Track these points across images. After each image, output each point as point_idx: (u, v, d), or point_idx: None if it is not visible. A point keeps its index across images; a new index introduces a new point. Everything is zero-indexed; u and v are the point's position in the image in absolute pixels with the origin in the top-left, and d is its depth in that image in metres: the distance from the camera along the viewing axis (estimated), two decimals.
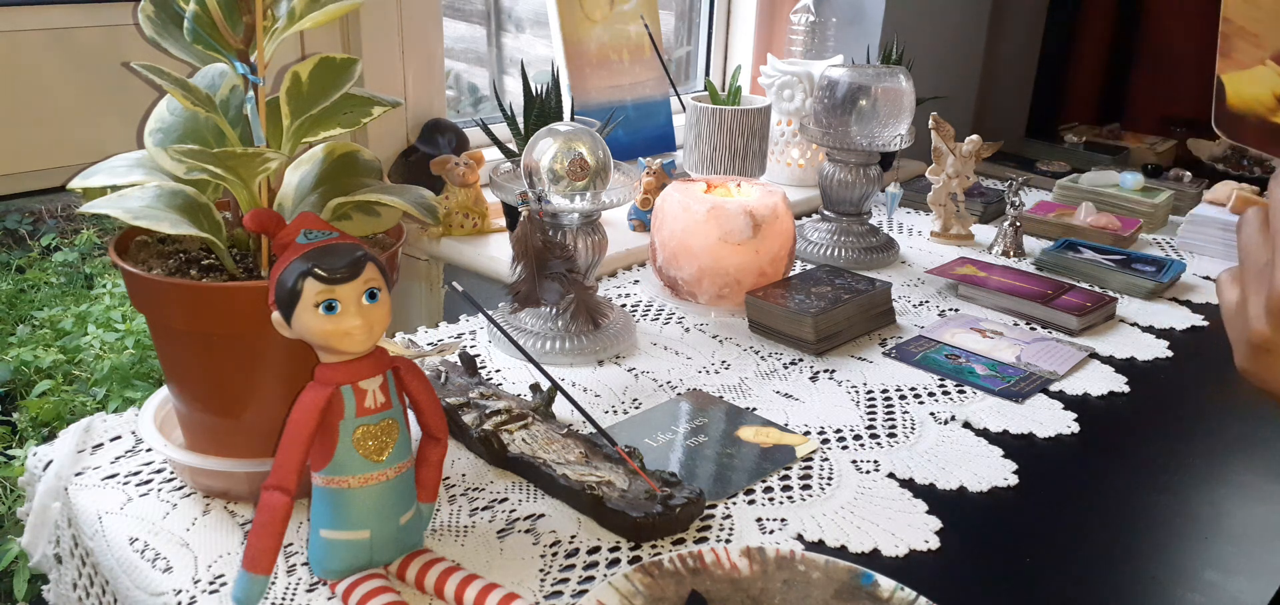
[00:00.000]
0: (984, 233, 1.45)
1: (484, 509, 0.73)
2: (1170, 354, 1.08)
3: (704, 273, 1.06)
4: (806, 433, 0.86)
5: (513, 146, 1.13)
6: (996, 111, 2.21)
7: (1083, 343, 1.08)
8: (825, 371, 0.99)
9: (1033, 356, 1.03)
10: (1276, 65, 0.50)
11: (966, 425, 0.89)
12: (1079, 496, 0.81)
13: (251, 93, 0.66)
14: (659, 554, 0.68)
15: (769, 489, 0.77)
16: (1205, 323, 1.16)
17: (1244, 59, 0.50)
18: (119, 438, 0.81)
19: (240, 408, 0.70)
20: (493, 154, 1.24)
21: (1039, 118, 2.29)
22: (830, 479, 0.79)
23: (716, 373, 0.98)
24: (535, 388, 0.87)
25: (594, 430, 0.76)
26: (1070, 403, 0.95)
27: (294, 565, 0.66)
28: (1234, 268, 0.50)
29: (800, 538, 0.71)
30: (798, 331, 1.03)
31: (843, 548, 0.71)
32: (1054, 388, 0.97)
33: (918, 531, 0.73)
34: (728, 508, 0.75)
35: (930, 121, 1.37)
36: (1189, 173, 1.68)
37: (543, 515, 0.73)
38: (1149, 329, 1.14)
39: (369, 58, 1.21)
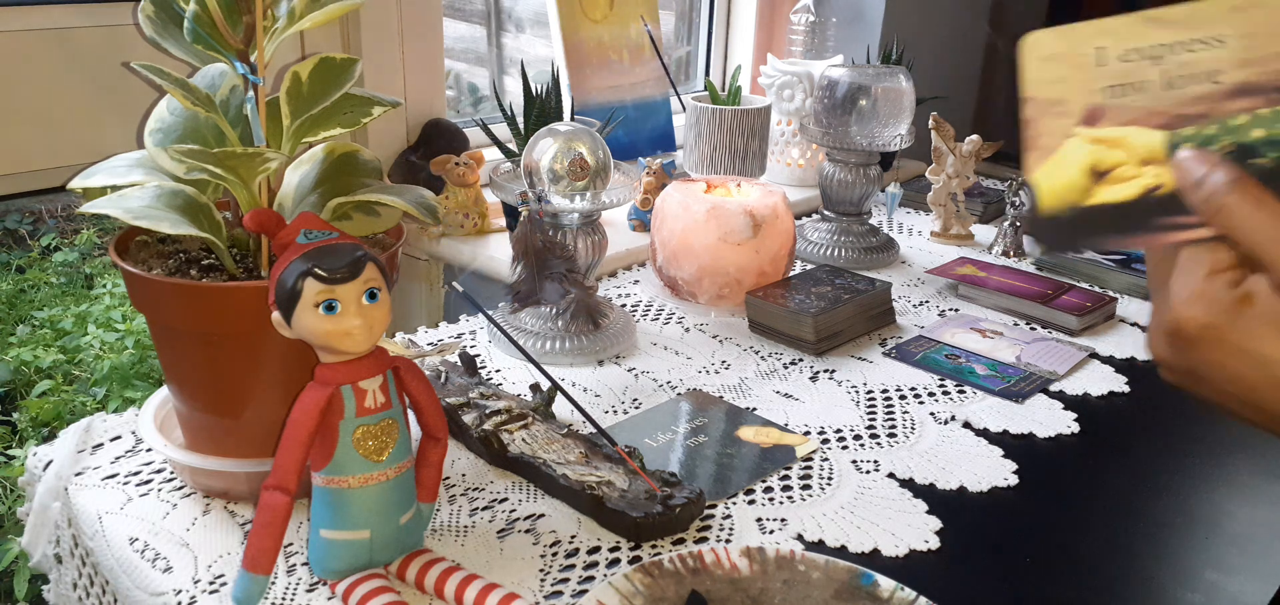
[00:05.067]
0: (984, 233, 1.45)
1: (484, 509, 0.73)
2: None
3: (704, 273, 1.06)
4: (806, 433, 0.86)
5: (513, 146, 1.13)
6: (996, 111, 2.21)
7: (1083, 343, 1.08)
8: (825, 371, 0.99)
9: (1033, 356, 1.03)
10: (1085, 129, 0.45)
11: (966, 425, 0.89)
12: (1079, 496, 0.81)
13: (251, 93, 0.66)
14: (659, 554, 0.68)
15: (769, 489, 0.77)
16: None
17: (1050, 141, 0.45)
18: (119, 438, 0.81)
19: (240, 408, 0.70)
20: (493, 154, 1.24)
21: None
22: (830, 479, 0.79)
23: (716, 373, 0.98)
24: (535, 388, 0.87)
25: (594, 430, 0.76)
26: (1070, 403, 0.94)
27: (294, 565, 0.66)
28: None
29: (800, 538, 0.71)
30: (798, 331, 1.03)
31: (843, 548, 0.71)
32: (1054, 388, 0.97)
33: (918, 531, 0.73)
34: (728, 508, 0.75)
35: (930, 121, 1.37)
36: None
37: (543, 515, 0.73)
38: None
39: (369, 58, 1.21)
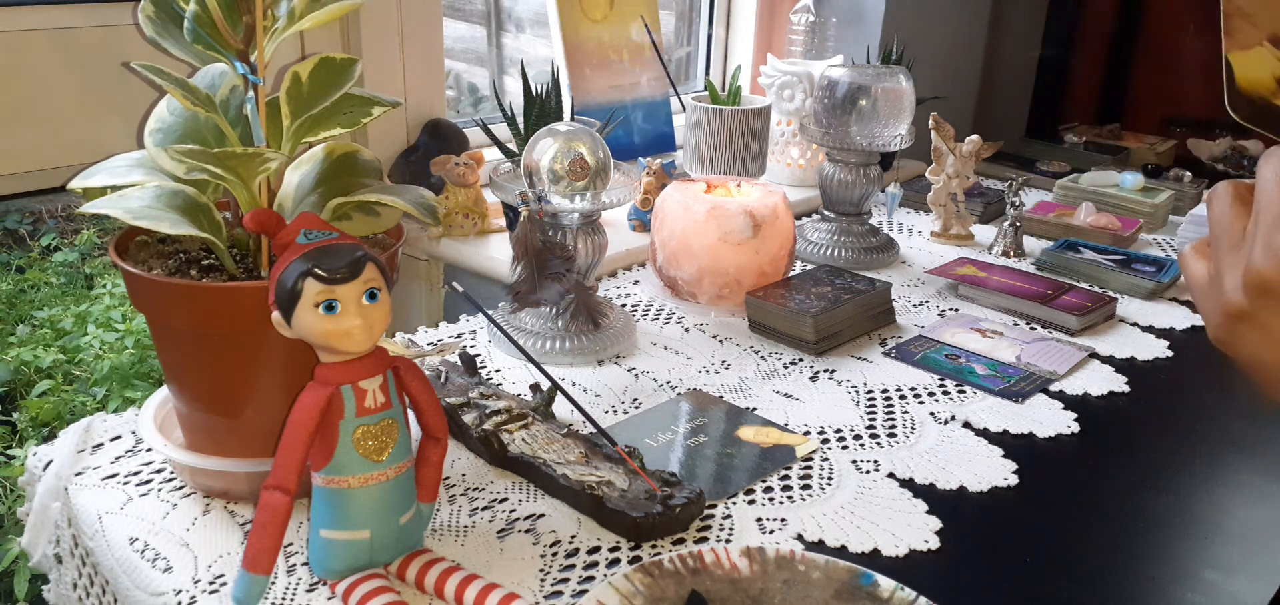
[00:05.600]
0: (984, 233, 1.45)
1: (484, 509, 0.73)
2: (1170, 354, 1.08)
3: (704, 273, 1.06)
4: (806, 433, 0.86)
5: (513, 146, 1.13)
6: (996, 111, 2.21)
7: (1083, 343, 1.08)
8: (825, 371, 0.99)
9: (1033, 356, 1.03)
10: (1273, 47, 0.49)
11: (966, 425, 0.89)
12: (1079, 496, 0.81)
13: (251, 93, 0.66)
14: (659, 554, 0.68)
15: (769, 489, 0.77)
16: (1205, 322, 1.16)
17: (1245, 40, 0.50)
18: (119, 438, 0.81)
19: (240, 408, 0.70)
20: (493, 154, 1.24)
21: (1039, 118, 2.29)
22: (830, 479, 0.79)
23: (716, 373, 0.98)
24: (535, 388, 0.87)
25: (594, 430, 0.76)
26: (1070, 403, 0.94)
27: (294, 565, 0.66)
28: (1198, 243, 0.51)
29: (800, 538, 0.71)
30: (798, 331, 1.03)
31: (843, 548, 0.71)
32: (1054, 388, 0.97)
33: (918, 531, 0.73)
34: (728, 508, 0.74)
35: (930, 121, 1.37)
36: (1189, 173, 1.67)
37: (543, 515, 0.73)
38: (1149, 329, 1.14)
39: (369, 58, 1.21)
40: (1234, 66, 0.50)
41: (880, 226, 1.41)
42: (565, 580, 0.66)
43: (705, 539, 0.71)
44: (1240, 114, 0.51)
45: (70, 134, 0.99)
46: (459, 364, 0.91)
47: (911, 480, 0.79)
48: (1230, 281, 0.47)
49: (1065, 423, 0.90)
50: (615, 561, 0.68)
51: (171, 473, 0.76)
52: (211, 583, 0.64)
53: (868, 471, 0.81)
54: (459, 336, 1.04)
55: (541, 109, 1.09)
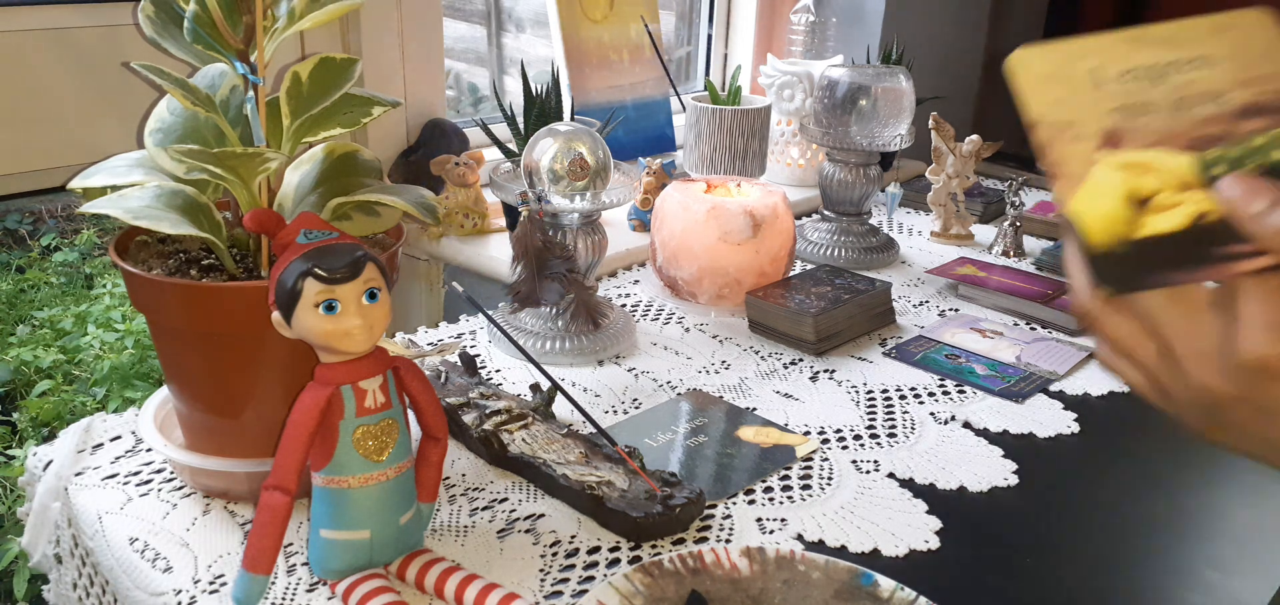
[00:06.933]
0: (984, 233, 1.45)
1: (484, 509, 0.73)
2: None
3: (704, 273, 1.06)
4: (806, 433, 0.86)
5: (513, 146, 1.13)
6: (996, 111, 2.21)
7: (1083, 343, 1.08)
8: (825, 371, 0.99)
9: (1033, 356, 1.03)
10: (1109, 153, 0.40)
11: (966, 425, 0.89)
12: (1079, 496, 0.81)
13: (251, 93, 0.66)
14: (659, 554, 0.68)
15: (769, 489, 0.77)
16: None
17: (1076, 164, 0.41)
18: (119, 438, 0.81)
19: (240, 408, 0.70)
20: (493, 154, 1.24)
21: None
22: (830, 479, 0.79)
23: (716, 373, 0.98)
24: (535, 388, 0.87)
25: (594, 430, 0.76)
26: (1070, 403, 0.94)
27: (294, 565, 0.66)
28: (1116, 360, 0.45)
29: (800, 538, 0.71)
30: (798, 331, 1.03)
31: (843, 548, 0.71)
32: (1054, 388, 0.97)
33: (918, 531, 0.73)
34: (728, 508, 0.74)
35: (930, 121, 1.37)
36: None
37: (543, 515, 0.73)
38: None
39: (369, 58, 1.21)
40: (1082, 219, 0.40)
41: (880, 226, 1.41)
42: (565, 580, 0.66)
43: (705, 539, 0.71)
44: (1120, 285, 0.41)
45: (70, 134, 0.99)
46: (459, 364, 0.91)
47: (911, 480, 0.79)
48: (1202, 379, 0.41)
49: (1065, 423, 0.90)
50: (615, 561, 0.68)
51: (171, 473, 0.76)
52: (211, 583, 0.64)
53: (868, 471, 0.81)
54: (459, 336, 1.04)
55: (541, 109, 1.09)
